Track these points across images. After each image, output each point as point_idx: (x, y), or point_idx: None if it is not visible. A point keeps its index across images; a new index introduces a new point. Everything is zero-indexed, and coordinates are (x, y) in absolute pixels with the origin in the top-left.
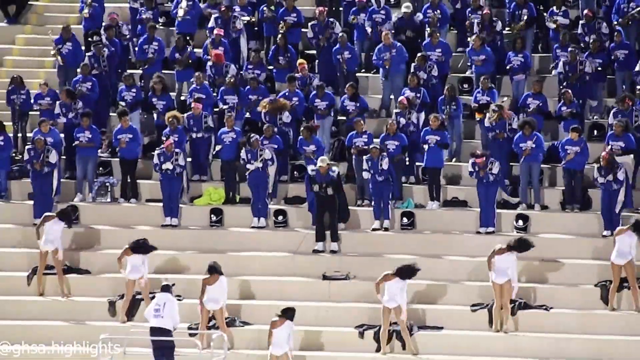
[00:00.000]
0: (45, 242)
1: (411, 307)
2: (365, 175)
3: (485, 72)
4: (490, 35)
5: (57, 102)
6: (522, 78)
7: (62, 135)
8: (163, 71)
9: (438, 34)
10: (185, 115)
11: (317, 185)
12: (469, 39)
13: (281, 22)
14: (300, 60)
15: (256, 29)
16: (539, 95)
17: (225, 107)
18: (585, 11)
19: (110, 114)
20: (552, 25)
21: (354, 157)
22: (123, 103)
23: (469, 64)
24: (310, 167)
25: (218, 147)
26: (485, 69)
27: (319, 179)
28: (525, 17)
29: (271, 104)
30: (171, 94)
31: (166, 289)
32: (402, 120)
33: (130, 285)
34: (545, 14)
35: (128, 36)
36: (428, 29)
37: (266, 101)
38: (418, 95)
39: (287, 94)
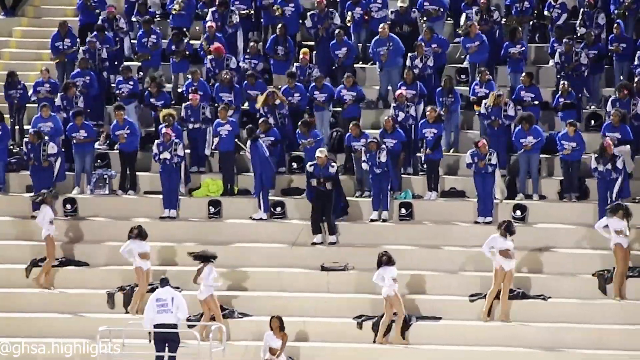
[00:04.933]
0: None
1: (409, 298)
2: (364, 166)
3: (479, 61)
4: (488, 25)
5: (59, 95)
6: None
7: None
8: (161, 63)
9: (430, 30)
10: (183, 105)
11: (315, 180)
12: (462, 29)
13: (275, 6)
14: (303, 50)
15: (253, 20)
16: (531, 87)
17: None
18: None
19: (107, 106)
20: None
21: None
22: (119, 92)
23: (462, 56)
24: (309, 164)
25: (215, 140)
26: (479, 57)
27: (317, 172)
28: (530, 11)
29: (266, 100)
30: (168, 85)
31: (166, 282)
32: (401, 114)
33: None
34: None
35: (125, 29)
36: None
37: (261, 100)
38: (415, 92)
39: (288, 89)
